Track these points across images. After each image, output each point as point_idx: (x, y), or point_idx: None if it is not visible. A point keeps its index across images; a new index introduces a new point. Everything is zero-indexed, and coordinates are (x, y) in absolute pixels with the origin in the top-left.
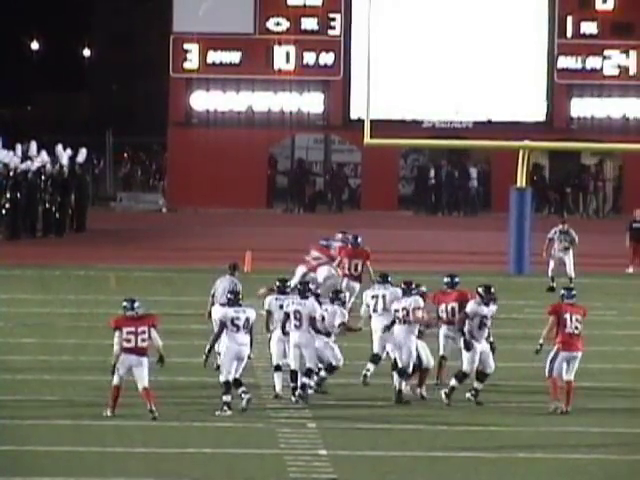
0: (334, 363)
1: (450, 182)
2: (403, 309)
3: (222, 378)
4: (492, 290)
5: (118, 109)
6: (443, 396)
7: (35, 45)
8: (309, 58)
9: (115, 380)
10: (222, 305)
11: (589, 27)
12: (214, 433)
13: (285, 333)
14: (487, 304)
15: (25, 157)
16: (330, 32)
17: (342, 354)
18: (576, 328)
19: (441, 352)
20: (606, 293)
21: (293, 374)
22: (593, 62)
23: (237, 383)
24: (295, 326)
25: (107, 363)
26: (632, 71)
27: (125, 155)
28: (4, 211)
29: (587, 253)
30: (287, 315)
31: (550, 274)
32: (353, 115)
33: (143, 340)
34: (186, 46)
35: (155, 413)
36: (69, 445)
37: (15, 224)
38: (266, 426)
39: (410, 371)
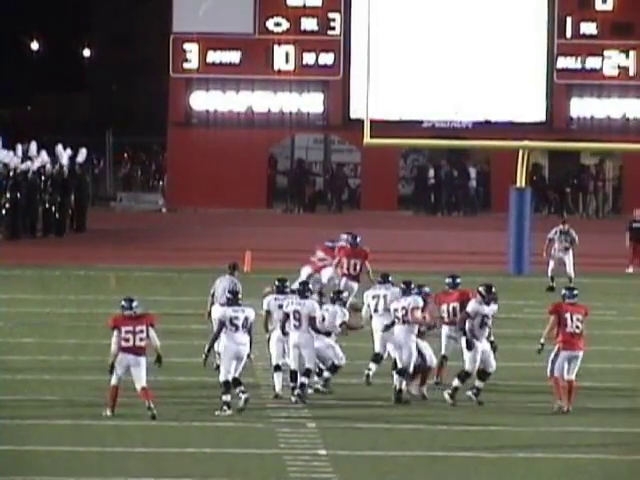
0: (336, 362)
1: (449, 182)
2: (402, 308)
3: (221, 378)
4: (493, 289)
5: (118, 109)
6: (447, 397)
7: (35, 45)
8: (309, 58)
9: (113, 380)
10: (222, 305)
11: (589, 27)
12: (214, 433)
13: (285, 333)
14: (488, 303)
15: (25, 157)
16: (330, 32)
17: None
18: (577, 327)
19: (443, 352)
20: (606, 293)
21: (293, 374)
22: (593, 62)
23: (236, 382)
24: (294, 326)
25: (107, 363)
26: (632, 71)
27: (125, 155)
28: (4, 211)
29: (587, 253)
30: (287, 315)
31: (550, 274)
32: (353, 115)
33: (141, 339)
34: (186, 46)
35: (153, 410)
36: (69, 445)
37: (15, 224)
38: (266, 426)
39: (411, 371)
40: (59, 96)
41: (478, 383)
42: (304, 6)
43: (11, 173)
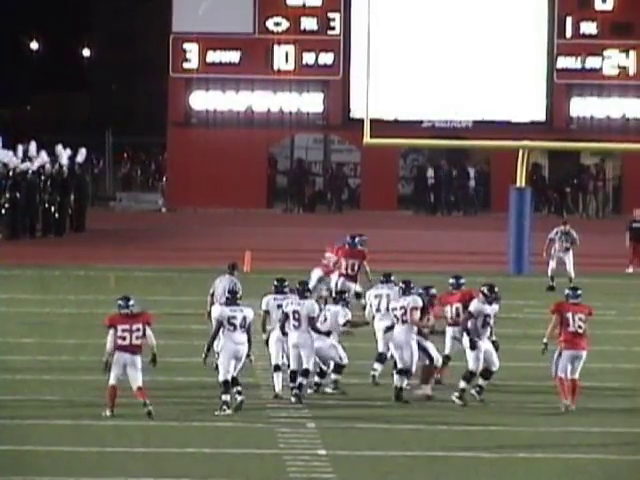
0: (340, 362)
1: (449, 182)
2: (401, 308)
3: (221, 378)
4: (495, 289)
5: (118, 109)
6: (456, 400)
7: (35, 45)
8: (308, 58)
9: (111, 380)
10: (222, 305)
11: (589, 27)
12: (214, 433)
13: (284, 333)
14: (490, 303)
15: (25, 157)
16: (330, 32)
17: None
18: (579, 327)
19: (447, 352)
20: (606, 293)
21: (292, 374)
22: (593, 62)
23: (234, 382)
24: (294, 326)
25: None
26: (632, 71)
27: (125, 155)
28: (4, 211)
29: (587, 253)
30: (286, 315)
31: (550, 273)
32: (352, 115)
33: (137, 338)
34: (186, 46)
35: (149, 407)
36: (69, 445)
37: (15, 224)
38: (265, 426)
39: (414, 370)
40: (59, 96)
41: (481, 381)
42: (304, 6)
43: (11, 173)
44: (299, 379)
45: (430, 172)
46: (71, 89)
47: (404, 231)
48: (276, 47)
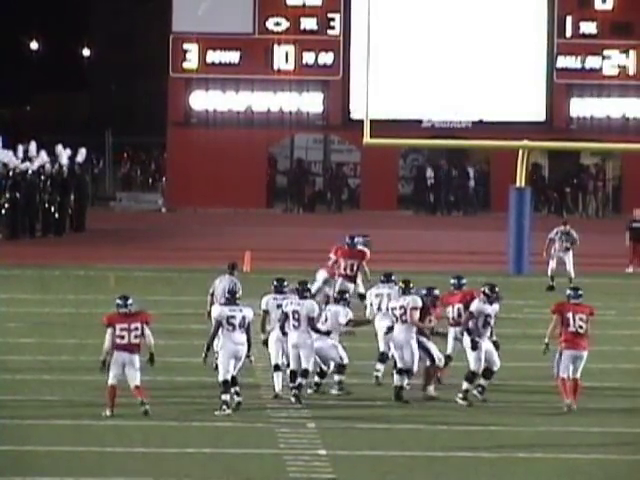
0: (341, 362)
1: (448, 182)
2: (401, 307)
3: (220, 377)
4: (496, 289)
5: (117, 109)
6: (461, 401)
7: (34, 45)
8: (308, 58)
9: (110, 379)
10: (221, 305)
11: (588, 27)
12: (213, 433)
13: (284, 333)
14: (491, 303)
15: (25, 157)
16: (329, 32)
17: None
18: (580, 327)
19: (448, 352)
20: (606, 293)
21: (292, 374)
22: (592, 62)
23: (233, 382)
24: (294, 326)
25: (106, 363)
26: (631, 71)
27: (125, 155)
28: (3, 211)
29: (587, 253)
30: (286, 315)
31: (550, 273)
32: (352, 115)
33: (136, 337)
34: (185, 46)
35: (146, 406)
36: (69, 445)
37: (14, 224)
38: (265, 426)
39: (415, 370)
40: (59, 96)
41: (483, 381)
42: (304, 6)
43: (10, 173)
44: (298, 379)
45: (429, 172)
46: (71, 89)
47: (404, 231)
48: (276, 47)
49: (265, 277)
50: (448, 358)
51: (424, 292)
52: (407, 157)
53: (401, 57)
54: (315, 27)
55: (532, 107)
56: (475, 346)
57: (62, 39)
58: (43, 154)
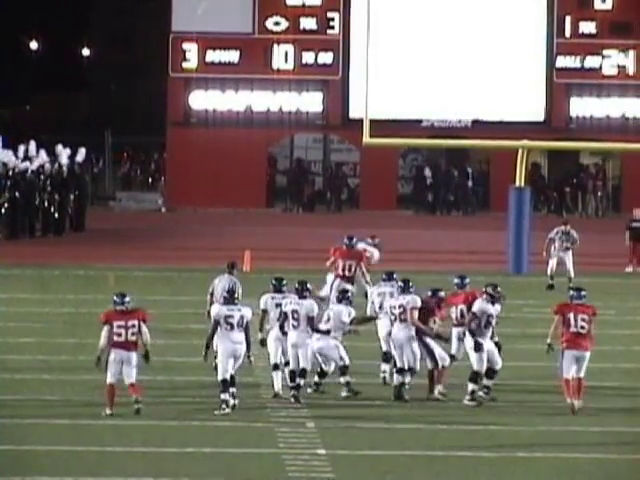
0: (343, 363)
1: (447, 181)
2: (400, 307)
3: (219, 376)
4: (499, 289)
5: (117, 109)
6: (469, 403)
7: (34, 45)
8: (308, 58)
9: (109, 378)
10: (221, 304)
11: (588, 27)
12: (213, 432)
13: (284, 333)
14: (494, 303)
15: (25, 157)
16: (329, 32)
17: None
18: (582, 327)
19: (452, 352)
20: (605, 292)
21: (291, 374)
22: (592, 61)
23: (231, 382)
24: (293, 326)
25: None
26: (631, 70)
27: (124, 155)
28: (3, 210)
29: (586, 252)
30: (285, 315)
31: (549, 272)
32: (352, 114)
33: (133, 334)
34: (185, 45)
35: (140, 404)
36: (68, 444)
37: (14, 223)
38: (265, 425)
39: (417, 368)
40: (58, 96)
41: (487, 382)
42: (303, 5)
43: (10, 173)
44: (297, 379)
45: (427, 172)
46: (71, 89)
47: (403, 231)
48: (275, 47)
49: (265, 277)
50: (452, 358)
51: (429, 293)
52: (407, 157)
53: (401, 57)
54: (315, 27)
55: (531, 107)
56: (478, 348)
57: (62, 39)
58: (43, 154)
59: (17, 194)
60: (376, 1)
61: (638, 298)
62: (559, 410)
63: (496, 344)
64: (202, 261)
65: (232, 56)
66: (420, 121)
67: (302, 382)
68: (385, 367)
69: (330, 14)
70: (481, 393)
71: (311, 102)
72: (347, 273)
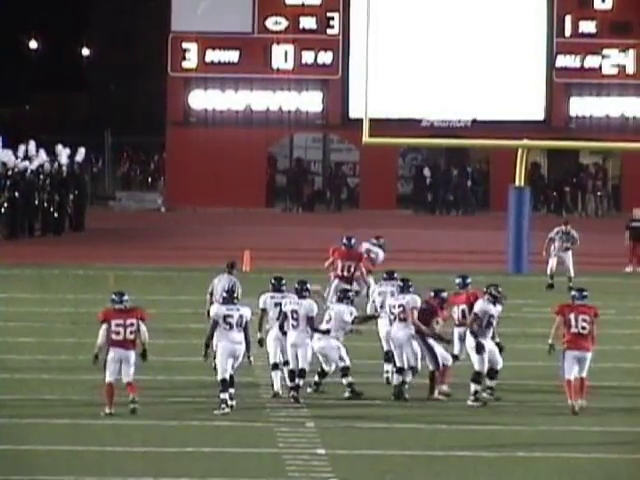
0: (344, 364)
1: (446, 181)
2: (400, 306)
3: (219, 376)
4: (500, 290)
5: (117, 108)
6: (473, 403)
7: (34, 44)
8: (308, 57)
9: (108, 377)
10: (220, 304)
11: (588, 26)
12: (213, 432)
13: (283, 333)
14: (495, 304)
15: (24, 157)
16: (329, 31)
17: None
18: (583, 328)
19: (455, 352)
20: (605, 292)
21: (291, 374)
22: (592, 61)
23: (230, 381)
24: (292, 326)
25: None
26: (630, 70)
27: (124, 154)
28: (3, 210)
29: (586, 252)
30: (285, 315)
31: (549, 272)
32: (352, 114)
33: (131, 333)
34: (184, 45)
35: (136, 404)
36: (68, 444)
37: (14, 223)
38: (265, 425)
39: (419, 367)
40: (58, 96)
41: (489, 382)
42: (303, 5)
43: (9, 172)
44: (297, 380)
45: (426, 171)
46: (70, 88)
47: (403, 230)
48: (275, 46)
49: (264, 276)
50: (455, 358)
51: (431, 294)
52: (406, 156)
53: (400, 56)
54: (314, 26)
55: (531, 106)
56: (480, 349)
57: (61, 39)
58: (42, 153)
59: (16, 194)
60: (376, 1)
61: (638, 298)
62: (560, 410)
63: (498, 345)
64: (202, 261)
65: (232, 56)
66: (420, 121)
67: (301, 382)
68: (388, 367)
69: (330, 14)
70: (485, 394)
71: (311, 102)
72: (346, 274)
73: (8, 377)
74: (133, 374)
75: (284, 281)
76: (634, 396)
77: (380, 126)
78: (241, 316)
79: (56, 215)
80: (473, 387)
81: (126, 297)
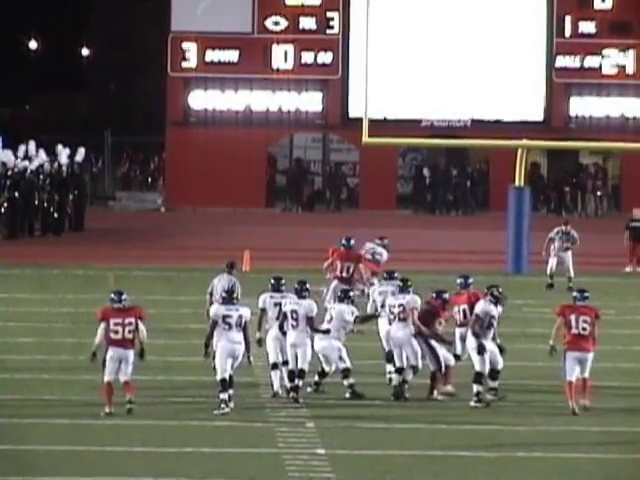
0: (345, 366)
1: (446, 181)
2: (400, 306)
3: (218, 376)
4: (502, 291)
5: (116, 108)
6: (476, 404)
7: (33, 44)
8: (307, 57)
9: (106, 376)
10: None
11: (587, 26)
12: (213, 432)
13: (283, 333)
14: (496, 305)
15: (24, 157)
16: (328, 31)
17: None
18: (583, 329)
19: (458, 352)
20: (605, 292)
21: (290, 374)
22: (591, 61)
23: (230, 382)
24: (292, 326)
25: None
26: (630, 70)
27: (124, 154)
28: (2, 210)
29: (586, 252)
30: (285, 315)
31: (549, 272)
32: (351, 114)
33: (130, 331)
34: (184, 45)
35: (132, 405)
36: (68, 444)
37: (13, 223)
38: (264, 425)
39: (420, 365)
40: (58, 96)
41: (492, 383)
42: (303, 5)
43: (9, 172)
44: (296, 380)
45: (426, 171)
46: (70, 88)
47: (403, 230)
48: (275, 46)
49: (264, 276)
50: (457, 358)
51: (433, 295)
52: (406, 156)
53: (400, 56)
54: (314, 26)
55: (531, 106)
56: (482, 350)
57: (61, 39)
58: (42, 153)
59: (16, 194)
60: (375, 1)
61: (638, 298)
62: (559, 410)
63: (499, 347)
64: (201, 261)
65: (231, 56)
66: (419, 121)
67: (300, 383)
68: (390, 367)
69: (329, 14)
70: (489, 395)
71: (310, 102)
72: (345, 275)
73: (8, 377)
74: (131, 373)
75: (283, 281)
76: (634, 396)
77: (380, 126)
78: (240, 316)
79: (56, 215)
80: (475, 388)
81: (125, 296)
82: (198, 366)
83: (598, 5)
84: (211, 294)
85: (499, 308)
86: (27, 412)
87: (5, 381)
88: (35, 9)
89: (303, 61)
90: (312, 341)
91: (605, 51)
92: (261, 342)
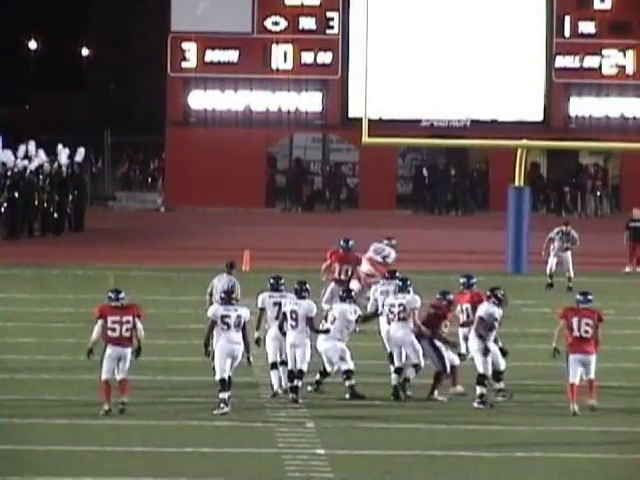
0: (347, 368)
1: (445, 181)
2: (399, 305)
3: (217, 376)
4: (504, 293)
5: (116, 109)
6: (480, 406)
7: (33, 44)
8: (307, 57)
9: (104, 375)
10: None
11: (587, 26)
12: (212, 432)
13: (283, 333)
14: (499, 306)
15: (24, 157)
16: (328, 31)
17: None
18: (585, 332)
19: (462, 351)
20: (604, 292)
21: (290, 374)
22: (591, 61)
23: (228, 383)
24: (291, 326)
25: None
26: (630, 70)
27: (124, 154)
28: (2, 210)
29: (585, 252)
30: (284, 315)
31: (548, 272)
32: (351, 114)
33: (127, 330)
34: (184, 45)
35: (125, 405)
36: (68, 444)
37: (13, 223)
38: (264, 425)
39: (422, 364)
40: (58, 96)
41: (498, 385)
42: (302, 5)
43: (9, 172)
44: (295, 381)
45: (425, 171)
46: (70, 88)
47: (403, 230)
48: (274, 46)
49: (264, 276)
50: (461, 357)
51: (438, 296)
52: (406, 156)
53: (400, 56)
54: (314, 26)
55: (531, 106)
56: (486, 352)
57: (61, 39)
58: (42, 153)
59: (16, 194)
60: (375, 1)
61: (638, 298)
62: (559, 410)
63: (501, 350)
64: (201, 261)
65: (231, 56)
66: (419, 121)
67: (300, 383)
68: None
69: (329, 14)
70: (500, 398)
71: (310, 102)
72: (343, 277)
73: (8, 377)
74: (127, 371)
75: (282, 280)
76: (634, 396)
77: (379, 126)
78: (239, 316)
79: (56, 215)
80: (479, 390)
81: (122, 294)
82: (198, 366)
83: (598, 5)
84: (211, 294)
85: (501, 310)
86: (27, 412)
87: (5, 381)
88: (35, 9)
89: (303, 61)
90: (312, 341)
91: (605, 51)
92: (259, 342)
